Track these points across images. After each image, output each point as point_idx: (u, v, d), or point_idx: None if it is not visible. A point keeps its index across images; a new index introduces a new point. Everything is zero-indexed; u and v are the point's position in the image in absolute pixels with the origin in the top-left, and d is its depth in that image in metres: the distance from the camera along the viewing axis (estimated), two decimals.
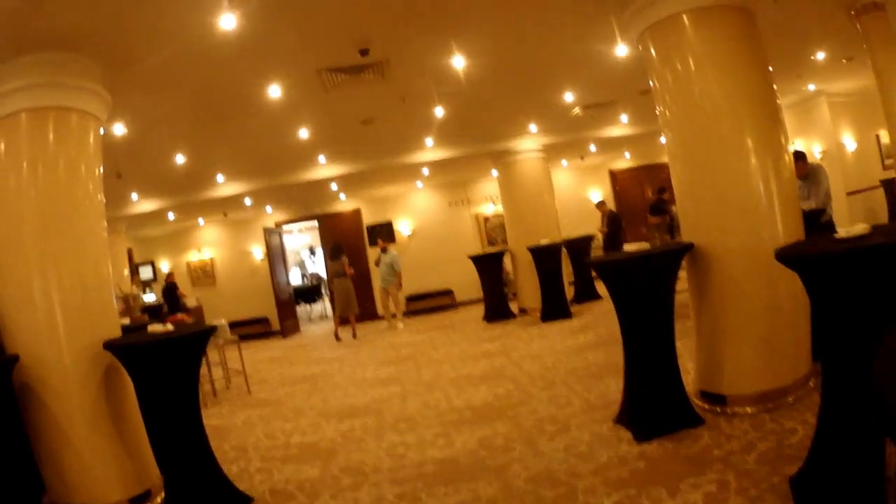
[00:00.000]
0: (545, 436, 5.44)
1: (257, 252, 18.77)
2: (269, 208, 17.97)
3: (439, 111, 9.79)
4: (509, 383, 7.61)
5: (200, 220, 18.61)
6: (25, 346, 4.97)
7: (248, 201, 15.25)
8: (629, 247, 5.57)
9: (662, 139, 6.08)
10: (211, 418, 8.14)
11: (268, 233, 17.42)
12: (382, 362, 10.60)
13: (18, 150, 5.19)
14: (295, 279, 23.82)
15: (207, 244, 19.34)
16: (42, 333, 4.99)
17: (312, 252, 23.35)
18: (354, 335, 14.49)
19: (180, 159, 10.43)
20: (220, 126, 9.02)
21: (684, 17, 5.46)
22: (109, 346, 4.97)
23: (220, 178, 12.92)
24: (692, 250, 5.42)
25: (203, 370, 9.98)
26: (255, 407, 8.66)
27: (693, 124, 5.51)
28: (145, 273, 19.32)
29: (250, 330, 18.05)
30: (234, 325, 17.56)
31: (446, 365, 9.46)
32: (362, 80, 7.71)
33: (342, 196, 17.68)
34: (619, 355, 5.66)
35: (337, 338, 14.54)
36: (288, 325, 17.46)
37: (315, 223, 19.42)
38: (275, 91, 7.50)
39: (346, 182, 14.81)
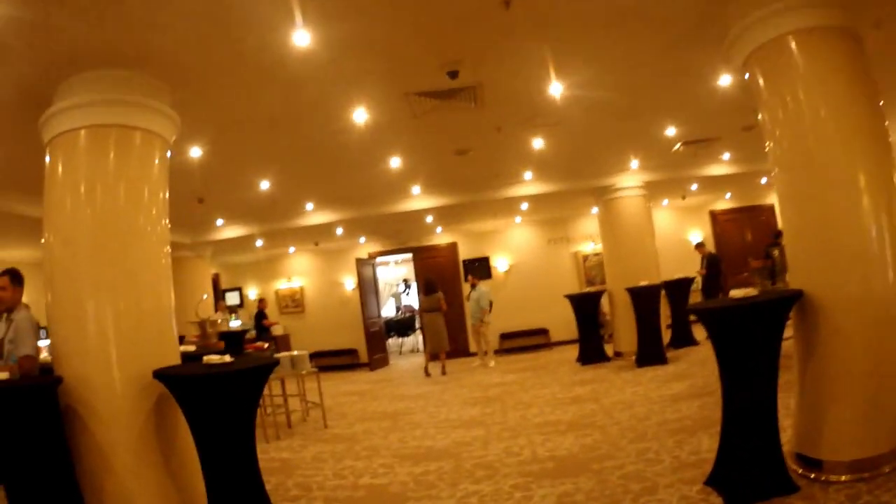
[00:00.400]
0: (629, 496, 5.02)
1: (349, 282, 18.66)
2: (362, 239, 17.94)
3: (538, 143, 9.54)
4: (598, 433, 7.18)
5: (291, 249, 18.73)
6: (74, 370, 4.82)
7: (339, 231, 15.20)
8: (736, 292, 5.10)
9: (764, 180, 5.61)
10: (281, 451, 8.13)
11: (360, 263, 17.38)
12: (468, 402, 10.27)
13: (76, 170, 5.13)
14: (390, 311, 23.76)
15: (297, 272, 19.42)
16: (92, 358, 4.87)
17: (407, 285, 23.10)
18: (444, 372, 14.31)
19: (265, 185, 10.40)
20: (305, 152, 8.95)
21: (791, 39, 5.02)
22: (159, 374, 4.82)
23: (309, 206, 12.88)
24: (801, 299, 4.88)
25: (279, 401, 10.07)
26: (328, 442, 8.45)
27: (802, 159, 5.00)
28: (232, 299, 19.57)
29: (337, 361, 18.08)
30: (320, 356, 17.75)
31: (534, 408, 9.06)
32: (454, 108, 7.50)
33: (438, 229, 17.48)
34: (715, 408, 5.27)
35: (426, 373, 14.38)
36: (376, 358, 17.28)
37: (410, 256, 19.14)
38: (360, 115, 7.31)
39: (442, 215, 14.57)
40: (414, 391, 12.28)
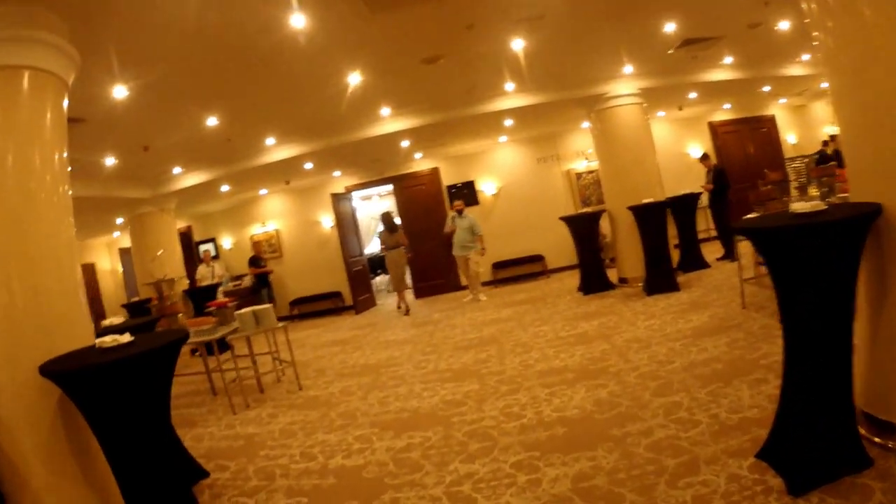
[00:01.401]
0: (664, 477, 4.02)
1: (326, 221, 17.50)
2: (336, 172, 16.69)
3: (517, 44, 8.35)
4: (613, 383, 6.17)
5: (262, 191, 17.63)
6: None
7: (308, 165, 14.09)
8: (800, 206, 3.91)
9: (767, 88, 4.46)
10: (248, 424, 7.31)
11: (336, 199, 16.25)
12: (460, 346, 9.34)
13: None
14: (375, 248, 22.54)
15: (272, 216, 18.33)
16: None
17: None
18: (406, 311, 14.23)
19: (211, 122, 9.35)
20: (246, 77, 7.81)
21: None
22: (45, 370, 3.87)
23: (269, 140, 11.78)
24: (879, 216, 3.69)
25: (248, 362, 9.14)
26: (301, 408, 7.56)
27: (868, 47, 3.74)
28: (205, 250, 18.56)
29: (320, 306, 17.24)
30: (303, 301, 17.09)
31: (535, 352, 8.08)
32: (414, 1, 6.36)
33: (417, 155, 16.19)
34: (747, 348, 4.56)
35: (399, 308, 14.59)
36: (361, 300, 16.24)
37: (390, 187, 17.85)
38: (298, 21, 6.16)
39: (419, 138, 13.28)
40: (400, 335, 11.37)
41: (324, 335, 13.29)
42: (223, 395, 8.58)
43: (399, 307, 14.64)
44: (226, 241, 18.79)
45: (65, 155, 4.84)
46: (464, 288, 15.79)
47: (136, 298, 14.69)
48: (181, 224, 18.94)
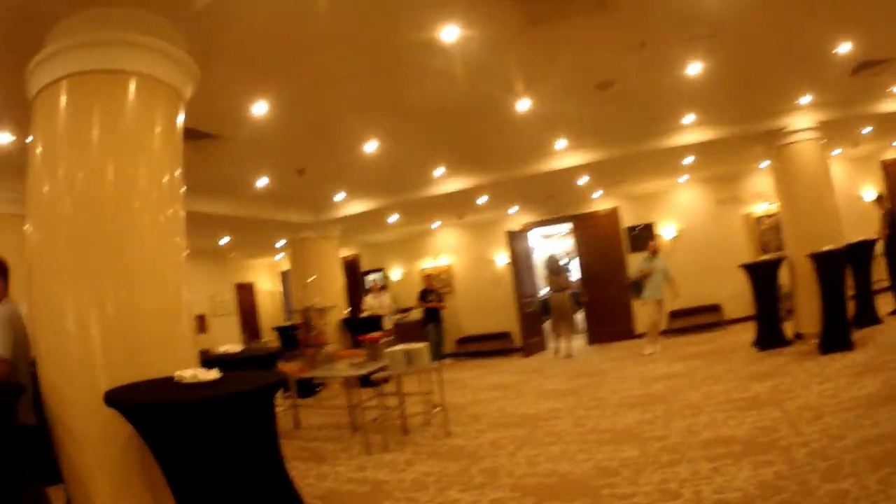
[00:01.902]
0: None
1: (501, 259, 17.07)
2: (513, 209, 16.29)
3: (694, 68, 7.72)
4: (781, 460, 5.24)
5: (434, 224, 17.46)
6: (51, 380, 4.03)
7: (482, 199, 13.74)
8: None
9: None
10: (381, 468, 6.92)
11: (512, 237, 15.79)
12: (626, 402, 8.56)
13: (53, 138, 4.26)
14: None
15: (444, 249, 18.17)
16: (69, 366, 3.98)
17: (569, 259, 20.97)
18: (567, 355, 14.05)
19: (370, 147, 9.15)
20: (403, 100, 7.55)
21: None
22: (109, 398, 3.52)
23: (438, 171, 11.52)
24: None
25: (394, 402, 8.76)
26: (442, 458, 7.02)
27: None
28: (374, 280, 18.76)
29: (489, 346, 16.76)
30: (470, 340, 16.78)
31: (704, 415, 7.20)
32: (576, 19, 5.89)
33: (596, 193, 15.51)
34: None
35: (558, 354, 14.39)
36: (531, 342, 15.63)
37: (569, 226, 17.21)
38: (451, 33, 5.77)
39: (596, 174, 12.63)
40: (566, 384, 10.65)
41: (487, 377, 12.80)
42: (364, 433, 8.20)
43: (557, 351, 14.41)
44: (395, 273, 18.76)
45: (177, 173, 4.64)
46: (638, 336, 14.97)
47: (289, 322, 14.85)
48: (349, 252, 19.35)
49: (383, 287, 17.21)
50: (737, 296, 14.17)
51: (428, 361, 8.31)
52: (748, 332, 12.03)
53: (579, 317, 17.83)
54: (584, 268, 16.28)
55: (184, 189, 4.76)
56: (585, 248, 16.36)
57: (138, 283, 4.18)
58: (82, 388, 3.87)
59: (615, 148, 10.99)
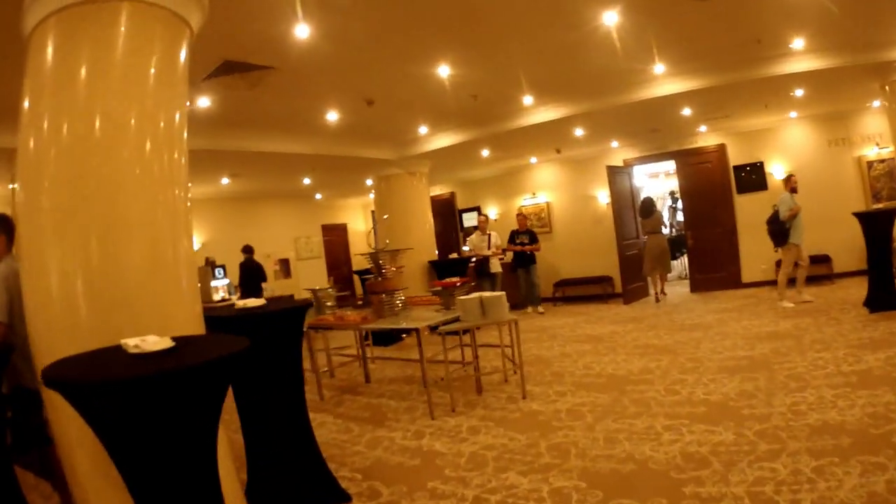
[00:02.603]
0: None
1: (602, 196, 15.84)
2: (614, 143, 15.11)
3: None
4: (894, 466, 4.21)
5: (532, 159, 16.40)
6: (38, 340, 3.74)
7: (578, 132, 12.67)
8: None
9: None
10: (439, 437, 6.26)
11: (612, 172, 14.61)
12: (725, 366, 7.48)
13: (41, 83, 3.85)
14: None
15: (542, 186, 17.07)
16: (56, 327, 3.62)
17: (675, 199, 19.20)
18: (657, 297, 13.96)
19: (444, 72, 8.26)
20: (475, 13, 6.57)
21: None
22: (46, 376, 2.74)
23: (526, 99, 10.44)
24: None
25: (469, 355, 8.26)
26: (510, 427, 6.28)
27: None
28: (470, 220, 18.04)
29: (588, 290, 15.77)
30: (568, 284, 15.79)
31: (811, 391, 6.10)
32: None
33: (702, 128, 14.01)
34: None
35: (657, 299, 13.93)
36: (631, 289, 14.52)
37: (672, 163, 15.81)
38: None
39: (699, 103, 11.22)
40: (663, 339, 9.62)
41: (580, 327, 11.84)
42: (434, 390, 7.63)
43: (658, 300, 13.92)
44: (491, 211, 17.77)
45: (178, 116, 4.12)
46: (745, 285, 14.00)
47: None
48: (443, 190, 18.75)
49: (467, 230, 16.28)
50: (848, 247, 12.91)
51: (505, 312, 7.45)
52: (859, 289, 10.81)
53: (679, 262, 16.97)
54: (688, 209, 15.05)
55: (185, 133, 4.24)
56: (689, 188, 15.06)
57: (125, 239, 3.73)
58: (67, 349, 3.27)
59: (717, 75, 9.68)
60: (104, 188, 3.69)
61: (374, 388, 8.85)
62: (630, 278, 14.53)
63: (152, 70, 3.94)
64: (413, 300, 9.32)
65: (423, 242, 13.86)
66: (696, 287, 14.77)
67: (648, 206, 14.11)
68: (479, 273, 13.73)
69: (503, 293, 7.58)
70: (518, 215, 15.27)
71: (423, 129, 12.07)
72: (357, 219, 21.15)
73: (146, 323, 3.59)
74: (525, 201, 17.24)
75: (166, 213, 3.95)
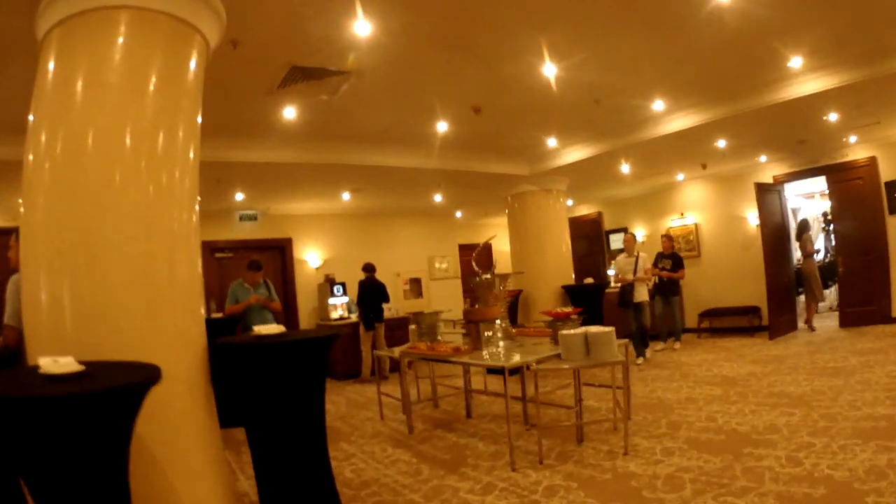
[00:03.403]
0: None
1: (752, 217, 14.31)
2: (762, 157, 13.72)
3: None
4: None
5: (679, 176, 15.19)
6: (32, 354, 3.80)
7: (720, 143, 11.47)
8: None
9: None
10: (507, 497, 5.44)
11: (761, 190, 13.19)
12: (860, 429, 6.14)
13: (42, 96, 3.95)
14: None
15: (690, 206, 15.80)
16: (44, 342, 3.69)
17: (827, 221, 17.17)
18: (811, 327, 12.99)
19: (550, 72, 7.48)
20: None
21: None
22: None
23: (657, 105, 9.47)
24: None
25: (569, 391, 7.76)
26: (590, 491, 5.38)
27: None
28: (616, 242, 16.93)
29: (733, 322, 14.35)
30: (715, 314, 14.44)
31: None
32: None
33: (851, 138, 12.29)
34: None
35: (810, 328, 12.96)
36: (779, 322, 12.99)
37: (822, 179, 14.01)
38: None
39: (844, 105, 9.68)
40: (800, 386, 8.30)
41: (719, 365, 10.63)
42: (528, 437, 7.01)
43: (810, 326, 13.08)
44: (639, 233, 16.57)
45: (182, 131, 4.10)
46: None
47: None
48: (590, 210, 17.97)
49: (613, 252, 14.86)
50: None
51: (614, 352, 6.50)
52: None
53: (830, 291, 15.24)
54: (839, 232, 13.41)
55: (192, 150, 4.24)
56: (840, 208, 13.43)
57: (114, 257, 3.79)
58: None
59: (863, 66, 8.18)
60: (94, 205, 3.72)
61: (473, 424, 8.20)
62: (778, 310, 13.05)
63: (152, 82, 3.91)
64: (524, 331, 8.71)
65: (558, 266, 13.23)
66: (844, 322, 13.07)
67: (800, 228, 13.22)
68: (622, 302, 12.20)
69: (611, 329, 6.61)
70: (663, 237, 14.06)
71: (552, 142, 11.42)
72: (503, 239, 20.60)
73: (126, 340, 3.69)
74: (673, 222, 16.07)
75: (162, 232, 3.93)
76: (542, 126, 10.30)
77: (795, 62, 8.02)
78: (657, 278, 13.02)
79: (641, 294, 12.10)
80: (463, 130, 9.79)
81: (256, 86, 7.17)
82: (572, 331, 6.64)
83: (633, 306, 11.99)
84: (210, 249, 13.63)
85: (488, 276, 7.82)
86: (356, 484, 6.12)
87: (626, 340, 7.38)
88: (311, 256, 15.26)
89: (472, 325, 7.66)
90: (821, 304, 15.54)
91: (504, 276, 8.11)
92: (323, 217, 15.49)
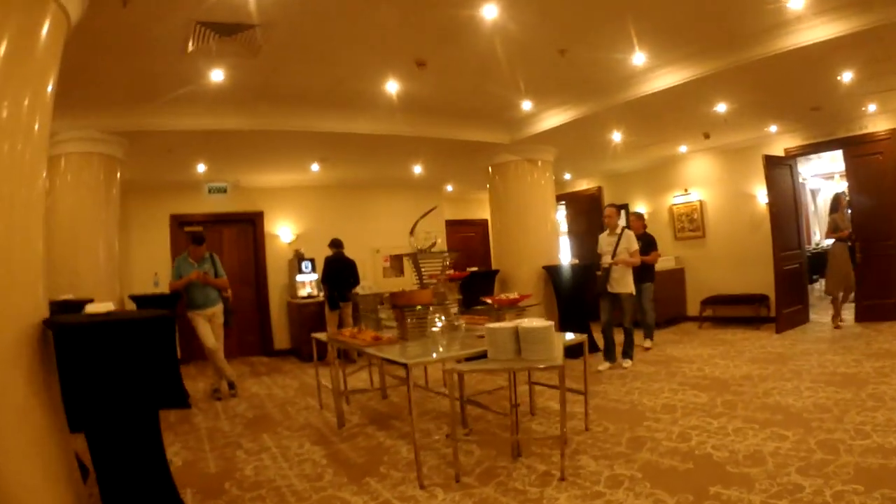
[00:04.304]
0: None
1: (762, 195, 12.77)
2: (772, 127, 12.21)
3: None
4: None
5: (681, 148, 13.79)
6: None
7: (720, 107, 10.03)
8: None
9: None
10: None
11: (771, 163, 11.72)
12: (872, 448, 5.05)
13: None
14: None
15: (694, 181, 14.43)
16: None
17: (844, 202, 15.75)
18: (836, 324, 11.17)
19: (491, 14, 6.42)
20: None
21: None
22: None
23: (637, 58, 8.09)
24: None
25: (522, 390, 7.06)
26: None
27: None
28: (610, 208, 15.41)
29: (739, 311, 13.07)
30: (719, 302, 13.25)
31: None
32: None
33: (871, 107, 10.76)
34: None
35: (835, 325, 11.15)
36: (787, 313, 11.60)
37: (839, 154, 12.58)
38: None
39: (857, 61, 8.15)
40: (803, 397, 6.89)
41: (714, 362, 9.36)
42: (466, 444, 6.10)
43: (834, 321, 11.26)
44: (639, 210, 15.04)
45: (25, 102, 3.94)
46: None
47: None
48: (590, 184, 16.96)
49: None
50: None
51: (553, 352, 5.30)
52: None
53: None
54: (856, 214, 11.78)
55: (38, 122, 4.07)
56: (858, 187, 11.84)
57: None
58: None
59: (883, 8, 6.59)
60: None
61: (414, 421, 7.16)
62: (787, 301, 11.65)
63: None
64: (474, 319, 7.50)
65: (542, 244, 12.14)
66: (861, 316, 11.59)
67: (835, 202, 11.39)
68: (598, 290, 10.01)
69: (549, 324, 5.42)
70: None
71: (526, 105, 10.23)
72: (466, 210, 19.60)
73: None
74: (676, 199, 14.74)
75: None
76: (509, 85, 9.00)
77: (796, 2, 6.62)
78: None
79: (624, 283, 9.73)
80: (421, 91, 8.89)
81: (170, 46, 6.65)
82: (500, 324, 5.53)
83: (608, 297, 9.83)
84: (178, 222, 13.42)
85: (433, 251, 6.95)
86: (248, 484, 5.58)
87: (582, 336, 6.30)
88: (283, 231, 14.66)
89: (398, 310, 6.60)
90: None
91: (442, 254, 7.36)
92: (296, 189, 14.76)
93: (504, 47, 7.30)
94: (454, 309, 7.14)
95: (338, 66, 7.80)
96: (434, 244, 7.48)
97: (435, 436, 6.64)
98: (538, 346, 5.23)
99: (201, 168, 11.99)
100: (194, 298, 9.16)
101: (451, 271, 7.59)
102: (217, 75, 7.58)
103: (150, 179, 12.15)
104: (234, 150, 10.72)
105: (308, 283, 13.73)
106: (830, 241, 11.68)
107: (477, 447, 5.94)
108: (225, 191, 13.55)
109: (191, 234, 9.62)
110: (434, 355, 5.87)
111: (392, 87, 8.57)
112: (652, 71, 8.65)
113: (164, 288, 10.39)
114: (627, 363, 9.65)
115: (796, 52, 7.40)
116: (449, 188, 17.86)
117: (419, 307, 6.48)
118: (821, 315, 12.68)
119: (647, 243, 11.14)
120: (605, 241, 10.00)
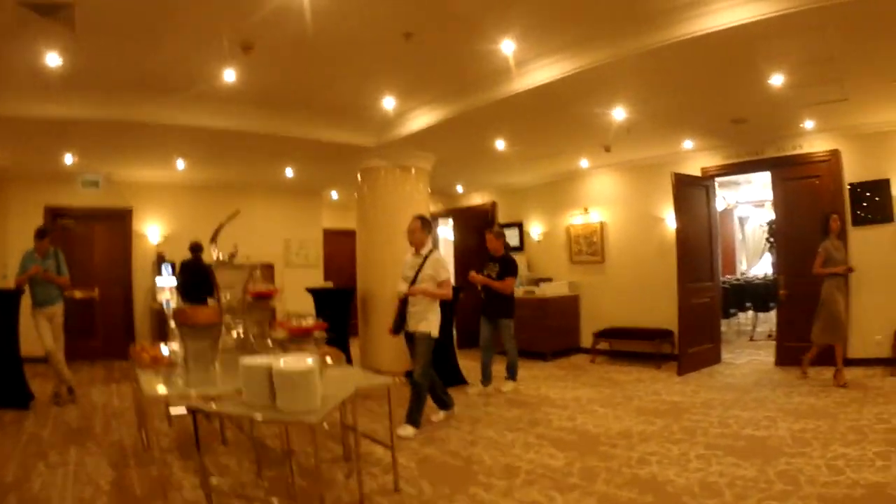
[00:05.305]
0: None
1: (672, 220, 11.44)
2: (686, 143, 11.15)
3: None
4: None
5: (582, 162, 12.72)
6: None
7: (617, 113, 8.78)
8: None
9: None
10: None
11: (681, 183, 10.54)
12: None
13: None
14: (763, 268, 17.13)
15: (596, 201, 13.38)
16: None
17: (772, 232, 14.54)
18: (841, 381, 8.67)
19: None
20: None
21: None
22: None
23: (506, 45, 6.94)
24: None
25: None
26: None
27: None
28: (512, 238, 14.35)
29: (638, 346, 11.93)
30: (616, 335, 12.45)
31: None
32: None
33: (808, 123, 9.77)
34: None
35: (840, 383, 8.66)
36: (693, 353, 10.39)
37: (767, 176, 11.52)
38: None
39: (790, 54, 6.77)
40: (686, 474, 5.45)
41: (590, 409, 8.10)
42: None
43: (838, 377, 8.83)
44: (535, 229, 14.46)
45: None
46: (850, 361, 9.40)
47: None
48: (484, 199, 16.47)
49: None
50: None
51: (309, 401, 4.05)
52: None
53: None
54: (782, 244, 10.84)
55: None
56: (788, 213, 10.79)
57: None
58: None
59: None
60: None
61: (221, 453, 6.60)
62: (692, 339, 10.41)
63: None
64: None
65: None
66: (782, 359, 10.42)
67: (825, 224, 9.25)
68: (395, 329, 7.60)
69: (310, 367, 4.00)
70: (489, 233, 9.95)
71: (388, 103, 9.23)
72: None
73: None
74: (574, 219, 13.67)
75: None
76: (357, 76, 8.24)
77: None
78: (483, 291, 9.70)
79: (426, 320, 7.30)
80: (263, 81, 8.23)
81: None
82: (254, 361, 4.35)
83: (407, 337, 7.54)
84: (53, 214, 12.92)
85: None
86: (27, 499, 5.20)
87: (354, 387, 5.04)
88: (151, 230, 14.04)
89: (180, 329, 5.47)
90: (758, 330, 13.76)
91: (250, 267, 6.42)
92: (165, 187, 14.07)
93: (335, 30, 6.53)
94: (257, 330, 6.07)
95: (163, 49, 7.15)
96: (234, 254, 6.38)
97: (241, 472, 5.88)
98: (295, 394, 3.99)
99: (69, 159, 11.47)
100: (35, 295, 8.92)
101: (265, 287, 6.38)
102: (53, 59, 7.08)
103: (25, 169, 11.98)
104: (96, 140, 10.26)
105: (168, 288, 13.04)
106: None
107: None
108: (97, 184, 13.08)
109: (36, 229, 9.31)
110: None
111: (229, 75, 7.72)
112: (526, 64, 7.52)
113: (10, 283, 9.81)
114: (440, 415, 7.90)
115: (710, 39, 6.13)
116: (334, 195, 17.23)
117: (200, 328, 5.31)
118: (736, 355, 11.63)
119: (506, 267, 9.48)
120: (407, 263, 7.68)
